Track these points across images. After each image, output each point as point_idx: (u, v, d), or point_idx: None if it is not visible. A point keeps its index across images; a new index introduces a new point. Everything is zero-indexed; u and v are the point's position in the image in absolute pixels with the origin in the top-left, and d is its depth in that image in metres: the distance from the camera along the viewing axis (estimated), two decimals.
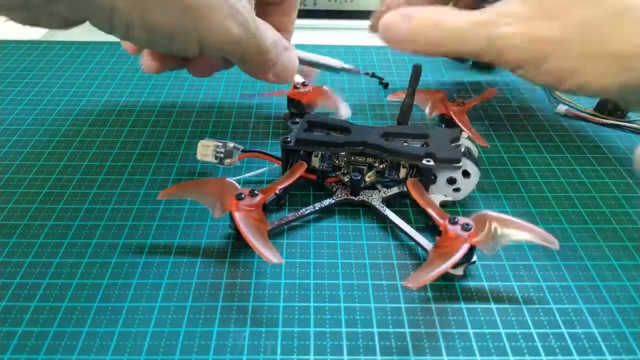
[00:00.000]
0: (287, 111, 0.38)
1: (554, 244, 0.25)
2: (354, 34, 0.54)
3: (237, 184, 0.28)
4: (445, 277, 0.27)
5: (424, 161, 0.29)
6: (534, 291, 0.26)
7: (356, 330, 0.24)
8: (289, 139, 0.31)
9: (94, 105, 0.41)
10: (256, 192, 0.28)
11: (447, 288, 0.26)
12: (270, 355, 0.23)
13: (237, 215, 0.26)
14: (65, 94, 0.42)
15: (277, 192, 0.29)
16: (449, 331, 0.24)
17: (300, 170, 0.30)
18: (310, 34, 0.54)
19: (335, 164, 0.31)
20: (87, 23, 0.24)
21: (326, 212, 0.31)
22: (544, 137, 0.38)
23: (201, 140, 0.33)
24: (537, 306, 0.26)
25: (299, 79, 0.37)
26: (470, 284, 0.27)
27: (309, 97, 0.37)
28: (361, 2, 0.55)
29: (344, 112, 0.36)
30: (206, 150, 0.32)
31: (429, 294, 0.26)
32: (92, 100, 0.42)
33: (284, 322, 0.25)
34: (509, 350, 0.23)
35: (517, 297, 0.26)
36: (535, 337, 0.24)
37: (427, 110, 0.37)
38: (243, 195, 0.27)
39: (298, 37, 0.54)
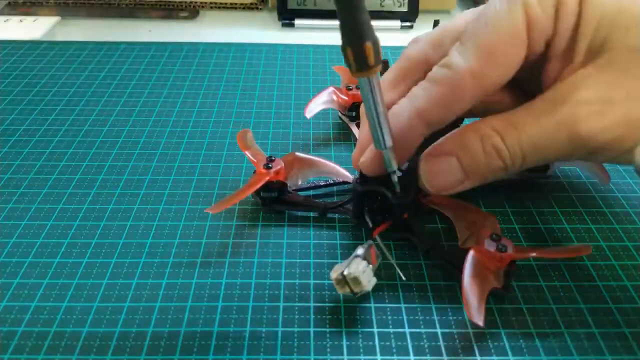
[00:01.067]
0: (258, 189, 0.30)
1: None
2: None
3: (476, 254, 0.25)
4: (450, 278, 0.27)
5: None
6: (534, 291, 0.26)
7: (356, 330, 0.24)
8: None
9: (94, 105, 0.41)
10: (498, 236, 0.25)
11: (447, 288, 0.26)
12: (271, 355, 0.23)
13: (537, 254, 0.26)
14: (65, 94, 0.42)
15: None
16: (449, 331, 0.24)
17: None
18: (311, 34, 0.54)
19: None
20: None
21: (326, 213, 0.31)
22: None
23: (334, 276, 0.24)
24: (538, 306, 0.25)
25: (253, 153, 0.31)
26: None
27: (283, 173, 0.30)
28: None
29: (343, 172, 0.32)
30: (365, 278, 0.24)
31: (429, 294, 0.26)
32: (92, 100, 0.42)
33: (283, 322, 0.25)
34: (508, 350, 0.23)
35: (517, 297, 0.26)
36: (536, 337, 0.24)
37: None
38: (503, 246, 0.25)
39: (298, 37, 0.54)
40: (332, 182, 0.32)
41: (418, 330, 0.24)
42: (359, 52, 0.22)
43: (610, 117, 0.23)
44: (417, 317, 0.25)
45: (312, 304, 0.25)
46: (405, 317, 0.25)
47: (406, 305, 0.25)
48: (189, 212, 0.31)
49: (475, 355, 0.23)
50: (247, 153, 0.31)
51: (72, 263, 0.27)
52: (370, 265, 0.25)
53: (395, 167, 0.26)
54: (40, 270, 0.27)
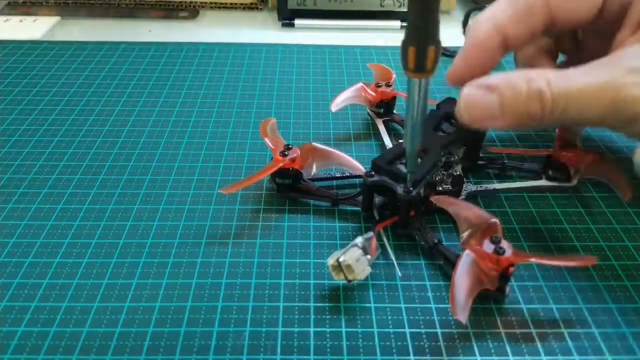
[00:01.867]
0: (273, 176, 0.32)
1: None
2: (354, 34, 0.54)
3: (474, 255, 0.25)
4: (445, 277, 0.27)
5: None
6: (534, 291, 0.26)
7: (356, 330, 0.24)
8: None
9: (94, 105, 0.41)
10: (497, 237, 0.25)
11: (446, 288, 0.26)
12: (271, 355, 0.23)
13: (536, 260, 0.25)
14: (65, 94, 0.42)
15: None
16: (449, 331, 0.24)
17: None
18: (311, 34, 0.54)
19: None
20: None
21: (326, 213, 0.31)
22: None
23: (330, 262, 0.25)
24: (538, 306, 0.25)
25: (272, 139, 0.32)
26: None
27: (299, 161, 0.31)
28: (361, 2, 0.55)
29: (357, 165, 0.32)
30: (359, 266, 0.25)
31: (429, 294, 0.26)
32: (92, 100, 0.42)
33: (284, 322, 0.25)
34: (509, 350, 0.23)
35: (517, 297, 0.26)
36: (536, 337, 0.24)
37: None
38: (502, 248, 0.24)
39: (298, 37, 0.54)
40: (347, 174, 0.33)
41: (418, 330, 0.24)
42: (421, 53, 0.22)
43: None
44: (417, 317, 0.25)
45: (312, 304, 0.25)
46: (405, 317, 0.25)
47: (406, 305, 0.25)
48: (189, 212, 0.31)
49: (475, 355, 0.23)
50: (267, 139, 0.32)
51: (72, 263, 0.27)
52: (368, 256, 0.25)
53: (414, 168, 0.27)
54: (40, 270, 0.27)
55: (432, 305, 0.25)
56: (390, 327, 0.24)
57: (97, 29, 0.55)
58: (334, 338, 0.24)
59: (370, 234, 0.26)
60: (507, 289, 0.25)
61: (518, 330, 0.24)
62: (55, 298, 0.25)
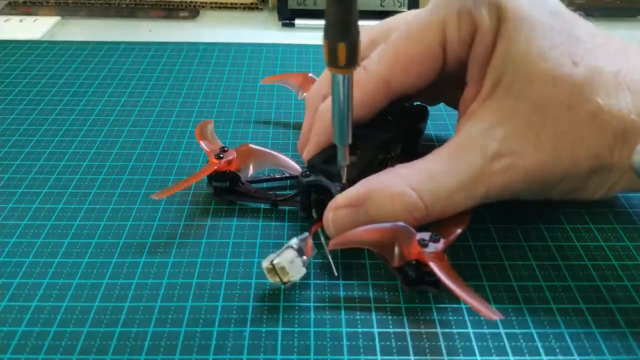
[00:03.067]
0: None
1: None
2: None
3: (411, 228, 0.25)
4: None
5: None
6: (534, 291, 0.26)
7: (356, 330, 0.24)
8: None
9: (94, 105, 0.41)
10: (438, 236, 0.24)
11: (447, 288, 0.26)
12: (270, 355, 0.23)
13: (436, 268, 0.24)
14: (65, 94, 0.42)
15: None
16: (449, 331, 0.24)
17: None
18: (310, 34, 0.54)
19: None
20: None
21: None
22: None
23: (265, 265, 0.25)
24: (537, 306, 0.25)
25: (207, 143, 0.32)
26: (471, 283, 0.26)
27: (236, 163, 0.31)
28: (361, 2, 0.55)
29: (294, 165, 0.32)
30: (293, 268, 0.25)
31: (429, 294, 0.26)
32: (92, 100, 0.42)
33: (284, 322, 0.25)
34: (509, 350, 0.23)
35: (517, 297, 0.26)
36: (536, 337, 0.24)
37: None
38: (426, 241, 0.24)
39: (299, 37, 0.54)
40: (286, 175, 0.33)
41: (418, 330, 0.24)
42: (332, 49, 0.22)
43: (519, 174, 0.24)
44: (417, 317, 0.25)
45: (312, 304, 0.25)
46: (405, 317, 0.25)
47: (406, 305, 0.25)
48: (189, 212, 0.31)
49: (475, 355, 0.23)
50: (202, 143, 0.32)
51: (72, 263, 0.27)
52: (304, 257, 0.25)
53: (347, 162, 0.26)
54: (40, 270, 0.27)
55: (432, 305, 0.25)
56: (391, 327, 0.24)
57: (97, 29, 0.55)
58: (334, 338, 0.24)
59: (306, 234, 0.26)
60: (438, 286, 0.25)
61: (518, 330, 0.24)
62: (55, 298, 0.25)
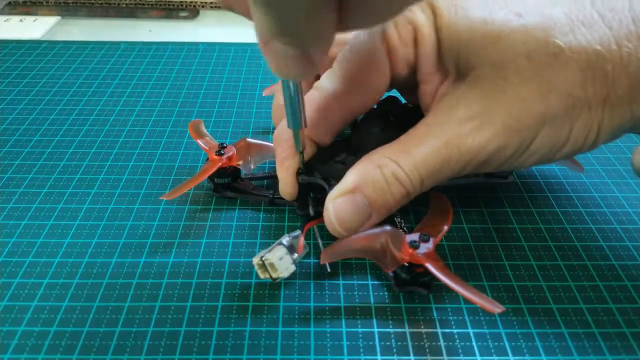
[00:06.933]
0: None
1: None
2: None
3: (399, 230, 0.25)
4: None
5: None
6: (534, 291, 0.26)
7: (356, 330, 0.24)
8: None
9: (94, 105, 0.41)
10: (427, 235, 0.25)
11: (447, 288, 0.26)
12: (271, 355, 0.23)
13: (431, 268, 0.24)
14: (65, 94, 0.42)
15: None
16: (449, 331, 0.24)
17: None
18: None
19: None
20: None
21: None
22: None
23: (255, 260, 0.25)
24: (537, 306, 0.26)
25: (205, 141, 0.32)
26: (471, 283, 0.26)
27: (236, 159, 0.31)
28: None
29: None
30: (282, 265, 0.25)
31: (429, 294, 0.26)
32: (92, 100, 0.42)
33: (284, 322, 0.25)
34: (509, 350, 0.23)
35: (517, 296, 0.26)
36: (536, 337, 0.24)
37: None
38: (417, 242, 0.24)
39: None
40: None
41: (418, 330, 0.24)
42: None
43: (489, 129, 0.24)
44: (417, 317, 0.25)
45: (312, 304, 0.25)
46: (405, 317, 0.25)
47: (406, 305, 0.25)
48: (189, 212, 0.31)
49: (475, 355, 0.23)
50: (199, 141, 0.32)
51: (72, 263, 0.27)
52: (295, 255, 0.25)
53: (301, 148, 0.27)
54: (40, 269, 0.27)
55: (432, 305, 0.25)
56: (391, 327, 0.24)
57: (97, 29, 0.55)
58: (334, 338, 0.24)
59: (298, 232, 0.26)
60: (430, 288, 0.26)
61: (518, 330, 0.24)
62: (55, 298, 0.25)
